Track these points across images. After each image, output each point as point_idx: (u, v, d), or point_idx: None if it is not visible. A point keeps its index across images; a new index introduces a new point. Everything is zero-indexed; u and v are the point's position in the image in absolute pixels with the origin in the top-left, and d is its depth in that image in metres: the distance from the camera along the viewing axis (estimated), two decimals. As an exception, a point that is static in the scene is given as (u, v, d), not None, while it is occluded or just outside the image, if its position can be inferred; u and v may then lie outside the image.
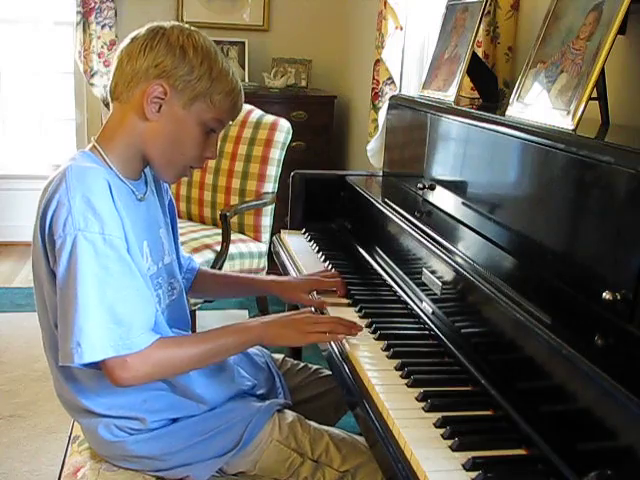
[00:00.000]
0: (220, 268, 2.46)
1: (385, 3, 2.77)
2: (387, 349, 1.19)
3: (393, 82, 2.84)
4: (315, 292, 1.45)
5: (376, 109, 2.91)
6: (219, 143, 2.81)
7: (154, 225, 1.25)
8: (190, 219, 2.92)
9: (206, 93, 1.13)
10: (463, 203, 1.43)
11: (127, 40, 1.14)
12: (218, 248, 2.53)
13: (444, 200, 1.53)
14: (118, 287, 1.03)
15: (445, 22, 1.83)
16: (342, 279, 1.47)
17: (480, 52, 1.96)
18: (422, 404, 1.01)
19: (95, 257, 1.01)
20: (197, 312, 2.58)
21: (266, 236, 2.80)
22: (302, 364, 1.52)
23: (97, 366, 1.05)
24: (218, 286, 1.53)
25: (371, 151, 2.97)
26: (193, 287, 1.47)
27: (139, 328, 1.05)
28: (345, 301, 1.42)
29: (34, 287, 1.16)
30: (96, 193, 1.04)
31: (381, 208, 1.62)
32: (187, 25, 1.16)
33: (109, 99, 1.17)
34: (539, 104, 1.25)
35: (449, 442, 0.91)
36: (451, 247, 1.26)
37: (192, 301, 2.30)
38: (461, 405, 1.02)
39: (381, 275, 1.54)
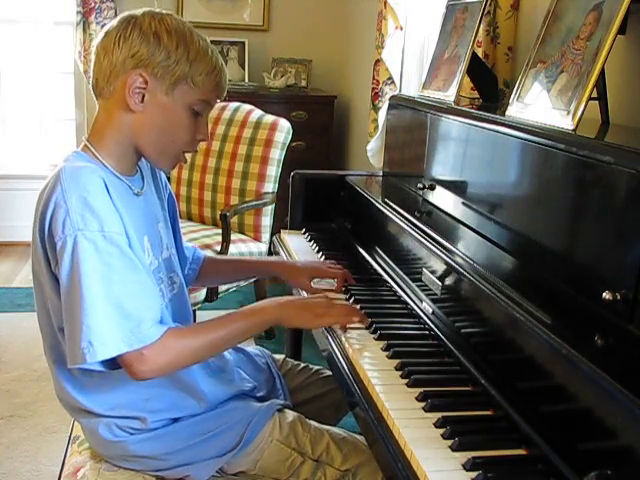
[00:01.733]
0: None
1: (385, 3, 2.77)
2: (387, 349, 1.19)
3: (393, 82, 2.84)
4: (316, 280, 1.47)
5: (376, 109, 2.91)
6: (219, 143, 2.81)
7: (153, 220, 1.25)
8: (190, 219, 2.92)
9: (186, 76, 1.11)
10: (463, 203, 1.43)
11: (101, 34, 1.13)
12: (218, 248, 2.53)
13: (444, 200, 1.53)
14: (123, 282, 1.03)
15: (445, 22, 1.82)
16: (344, 272, 1.48)
17: (480, 52, 1.96)
18: (422, 404, 1.01)
19: (97, 255, 1.01)
20: (197, 312, 2.58)
21: (266, 236, 2.80)
22: (303, 365, 1.52)
23: (113, 364, 1.05)
24: (224, 271, 1.55)
25: (371, 151, 2.97)
26: (200, 275, 1.48)
27: (149, 320, 1.05)
28: (343, 296, 1.43)
29: (34, 291, 1.16)
30: (92, 192, 1.04)
31: (381, 208, 1.62)
32: (159, 9, 1.14)
33: (94, 97, 1.16)
34: (539, 104, 1.24)
35: (449, 442, 0.91)
36: (451, 247, 1.26)
37: (192, 301, 2.30)
38: (461, 405, 1.02)
39: (381, 275, 1.54)
